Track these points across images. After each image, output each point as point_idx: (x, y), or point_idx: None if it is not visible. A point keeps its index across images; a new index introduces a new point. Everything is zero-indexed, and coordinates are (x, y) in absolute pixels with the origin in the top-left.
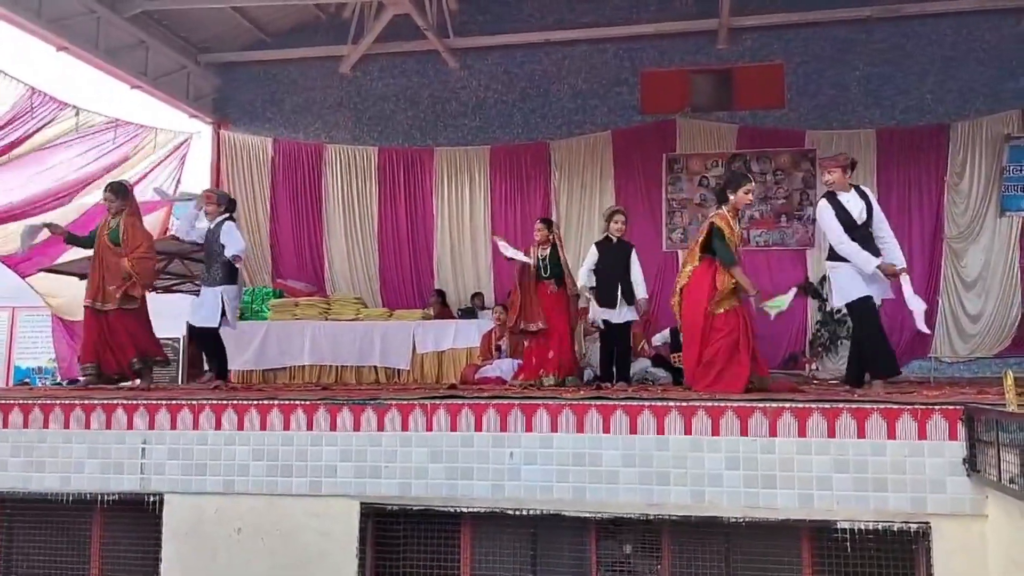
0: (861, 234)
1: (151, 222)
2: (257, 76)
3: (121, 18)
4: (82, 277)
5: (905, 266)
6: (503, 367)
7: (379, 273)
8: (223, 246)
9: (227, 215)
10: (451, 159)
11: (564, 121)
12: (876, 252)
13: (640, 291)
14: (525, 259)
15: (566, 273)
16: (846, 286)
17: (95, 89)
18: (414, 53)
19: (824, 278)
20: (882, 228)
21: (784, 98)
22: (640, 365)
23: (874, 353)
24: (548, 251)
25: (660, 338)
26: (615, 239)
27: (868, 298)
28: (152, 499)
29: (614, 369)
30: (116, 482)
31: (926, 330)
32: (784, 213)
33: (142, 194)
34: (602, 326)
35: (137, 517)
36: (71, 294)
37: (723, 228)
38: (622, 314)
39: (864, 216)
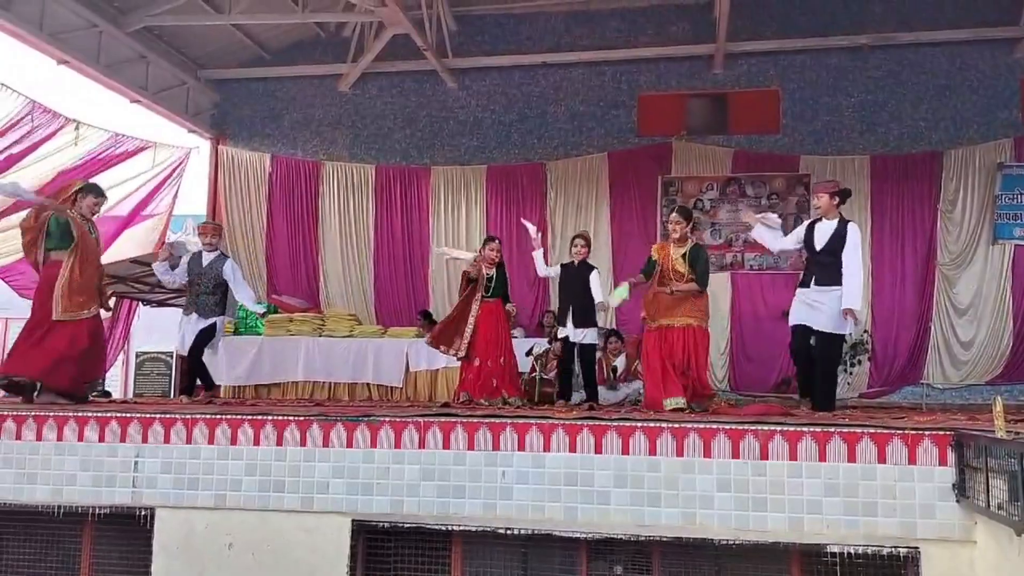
0: (821, 261)
1: (147, 238)
2: (256, 92)
3: (122, 32)
4: None
5: (854, 309)
6: None
7: (374, 290)
8: (225, 281)
9: (219, 250)
10: (448, 178)
11: (561, 142)
12: (839, 281)
13: (599, 298)
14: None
15: (507, 293)
16: (840, 317)
17: (87, 106)
18: (413, 72)
19: None
20: (848, 265)
21: (779, 123)
22: (634, 386)
23: (832, 385)
24: (494, 270)
25: None
26: (576, 262)
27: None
28: (143, 513)
29: (591, 390)
30: (108, 495)
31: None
32: None
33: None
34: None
35: (128, 531)
36: None
37: (652, 254)
38: (577, 334)
39: (824, 244)
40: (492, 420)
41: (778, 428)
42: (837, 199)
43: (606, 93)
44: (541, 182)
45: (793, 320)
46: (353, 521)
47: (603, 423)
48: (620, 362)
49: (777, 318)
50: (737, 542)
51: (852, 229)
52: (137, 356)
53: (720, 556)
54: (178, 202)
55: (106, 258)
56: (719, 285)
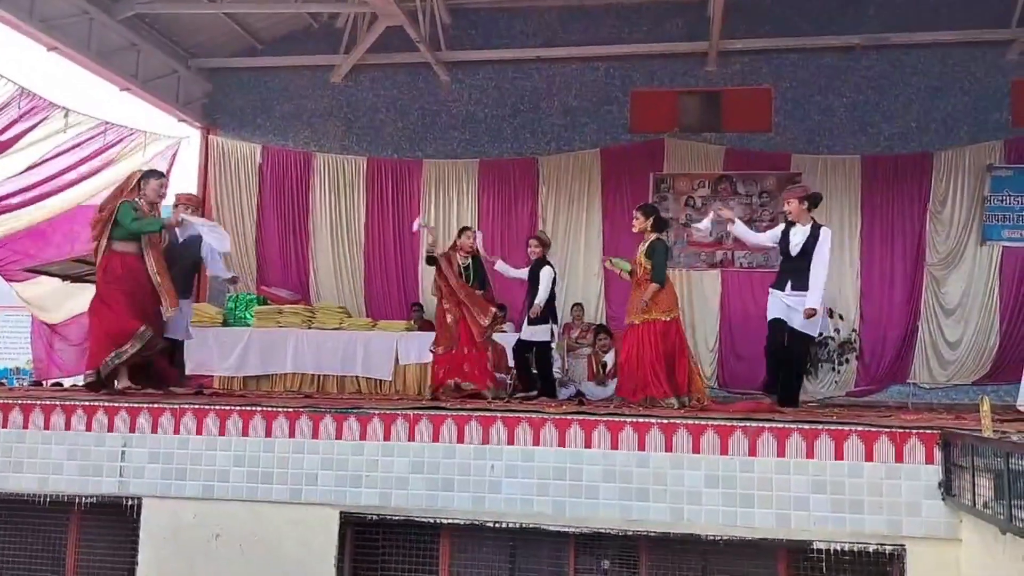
0: (795, 265)
1: None
2: (248, 82)
3: (113, 20)
4: (64, 278)
5: (815, 311)
6: None
7: (364, 283)
8: (202, 258)
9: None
10: (440, 172)
11: (553, 137)
12: (807, 286)
13: (536, 300)
14: (428, 243)
15: (489, 283)
16: (816, 319)
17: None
18: (406, 65)
19: None
20: (814, 266)
21: (771, 122)
22: None
23: (798, 383)
24: (470, 260)
25: None
26: (532, 260)
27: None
28: (130, 502)
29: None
30: (94, 484)
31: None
32: None
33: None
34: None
35: (115, 520)
36: (50, 294)
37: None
38: (527, 332)
39: (799, 249)
40: (482, 414)
41: (767, 425)
42: (807, 203)
43: (599, 89)
44: (533, 177)
45: (771, 315)
46: (341, 513)
47: (593, 418)
48: (610, 358)
49: (766, 316)
50: (724, 538)
51: (824, 234)
52: None
53: (707, 552)
54: (168, 192)
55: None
56: (709, 283)
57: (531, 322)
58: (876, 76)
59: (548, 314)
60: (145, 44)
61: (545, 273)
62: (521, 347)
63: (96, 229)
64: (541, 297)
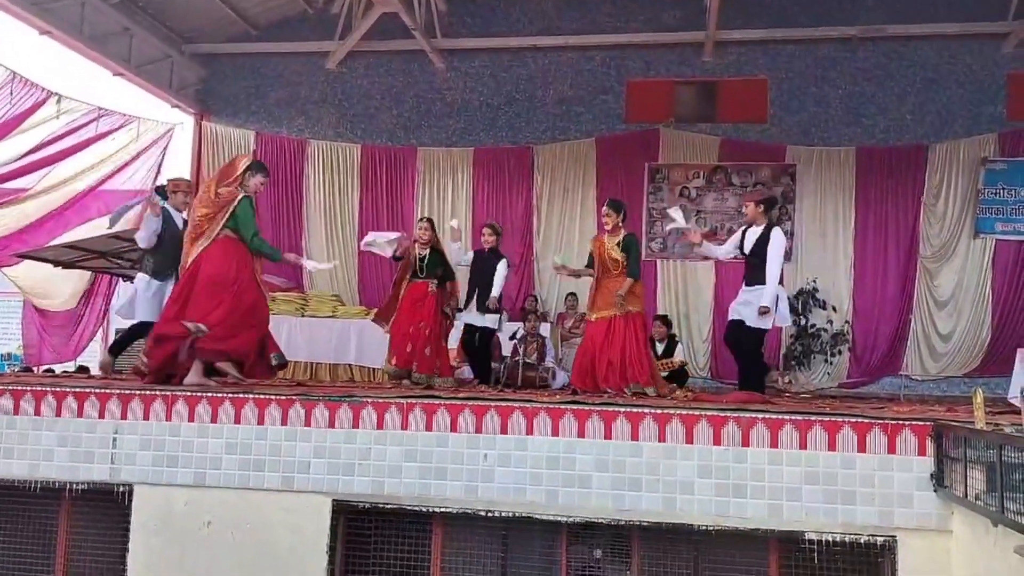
0: (751, 263)
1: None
2: (241, 68)
3: (106, 3)
4: (56, 264)
5: (768, 308)
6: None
7: (358, 271)
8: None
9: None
10: (434, 160)
11: (548, 126)
12: (763, 281)
13: (494, 292)
14: (385, 251)
15: (449, 274)
16: (769, 315)
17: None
18: (401, 52)
19: (800, 292)
20: (769, 266)
21: (767, 113)
22: None
23: (760, 371)
24: (427, 251)
25: None
26: (486, 249)
27: None
28: (121, 489)
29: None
30: (86, 471)
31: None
32: None
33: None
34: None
35: (106, 507)
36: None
37: (590, 247)
38: (478, 319)
39: (751, 248)
40: (475, 403)
41: (760, 416)
42: (763, 207)
43: (595, 78)
44: (528, 166)
45: (730, 316)
46: (334, 501)
47: (586, 408)
48: None
49: None
50: (717, 528)
51: (775, 234)
52: (116, 333)
53: (699, 542)
54: (161, 178)
55: (86, 232)
56: (703, 274)
57: (484, 311)
58: (872, 68)
59: (499, 304)
60: (138, 28)
61: (502, 267)
62: (471, 333)
63: (209, 209)
64: (497, 290)
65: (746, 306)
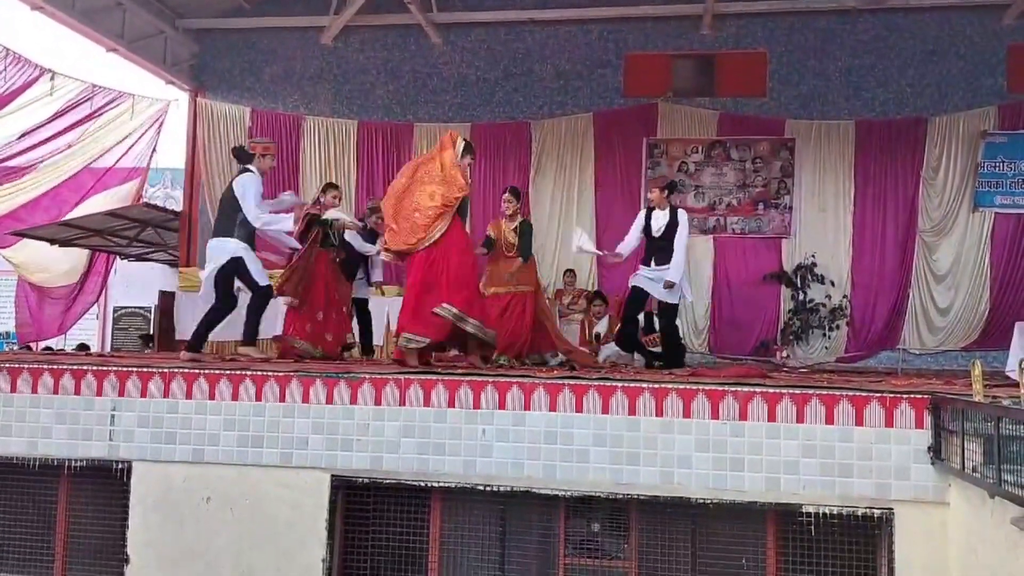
0: (658, 245)
1: (125, 191)
2: (236, 44)
3: None
4: (52, 242)
5: (674, 283)
6: None
7: None
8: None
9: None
10: (431, 135)
11: (546, 101)
12: (669, 261)
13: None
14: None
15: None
16: (679, 288)
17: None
18: (396, 26)
19: (798, 267)
20: (676, 245)
21: (766, 86)
22: (611, 349)
23: (678, 343)
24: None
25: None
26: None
27: None
28: (120, 466)
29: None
30: (84, 448)
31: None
32: (762, 201)
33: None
34: None
35: (105, 484)
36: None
37: (489, 231)
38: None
39: (661, 231)
40: (473, 378)
41: (758, 389)
42: (667, 191)
43: (593, 52)
44: (526, 141)
45: (632, 283)
46: (332, 477)
47: (584, 383)
48: (603, 325)
49: (758, 282)
50: (714, 502)
51: (681, 216)
52: (114, 311)
53: (697, 515)
54: (156, 155)
55: (83, 211)
56: (702, 249)
57: None
58: (872, 40)
59: None
60: (130, 3)
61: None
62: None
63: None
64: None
65: (656, 283)
